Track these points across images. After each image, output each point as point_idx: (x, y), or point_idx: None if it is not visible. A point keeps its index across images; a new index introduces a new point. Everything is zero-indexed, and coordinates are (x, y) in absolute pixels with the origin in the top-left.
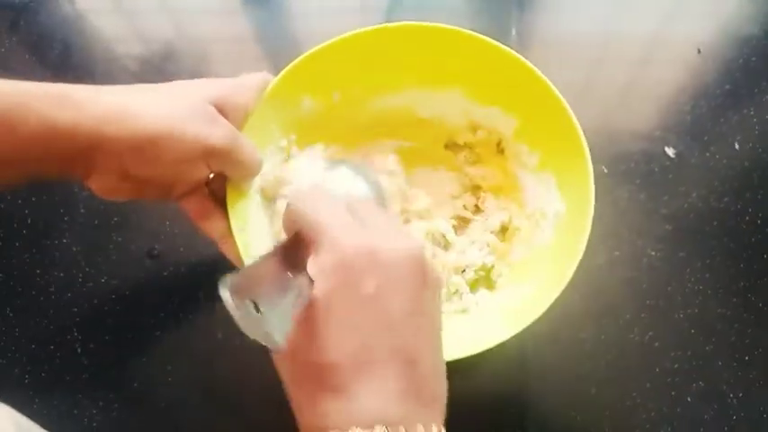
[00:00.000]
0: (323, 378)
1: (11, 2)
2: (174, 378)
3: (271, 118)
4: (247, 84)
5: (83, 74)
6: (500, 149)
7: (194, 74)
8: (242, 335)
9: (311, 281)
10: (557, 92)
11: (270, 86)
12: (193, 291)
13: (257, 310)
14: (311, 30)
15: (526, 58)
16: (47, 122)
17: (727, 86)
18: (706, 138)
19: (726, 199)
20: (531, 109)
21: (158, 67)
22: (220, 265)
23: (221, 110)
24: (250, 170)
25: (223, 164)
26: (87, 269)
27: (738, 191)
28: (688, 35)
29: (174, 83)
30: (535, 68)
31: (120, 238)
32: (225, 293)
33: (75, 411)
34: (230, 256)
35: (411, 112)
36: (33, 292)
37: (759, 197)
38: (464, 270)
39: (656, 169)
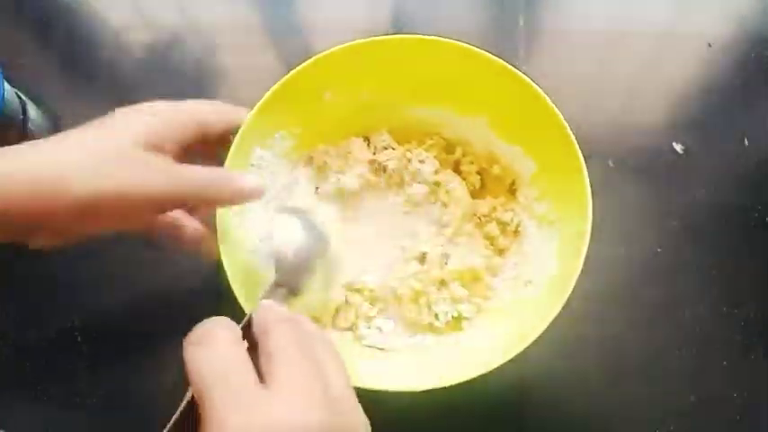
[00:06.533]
0: None
1: None
2: (176, 377)
3: (280, 110)
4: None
5: (86, 60)
6: (512, 190)
7: (200, 62)
8: None
9: None
10: (576, 146)
11: (291, 75)
12: (195, 289)
13: None
14: (319, 19)
15: (533, 50)
16: None
17: (738, 81)
18: (715, 133)
19: (734, 195)
20: (549, 156)
21: (163, 54)
22: (222, 265)
23: (161, 146)
24: (227, 200)
25: (178, 206)
26: (89, 267)
27: (747, 187)
28: (699, 29)
29: (101, 127)
30: (558, 113)
31: (120, 237)
32: None
33: (75, 409)
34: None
35: (436, 129)
36: (37, 285)
37: None
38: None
39: (664, 165)
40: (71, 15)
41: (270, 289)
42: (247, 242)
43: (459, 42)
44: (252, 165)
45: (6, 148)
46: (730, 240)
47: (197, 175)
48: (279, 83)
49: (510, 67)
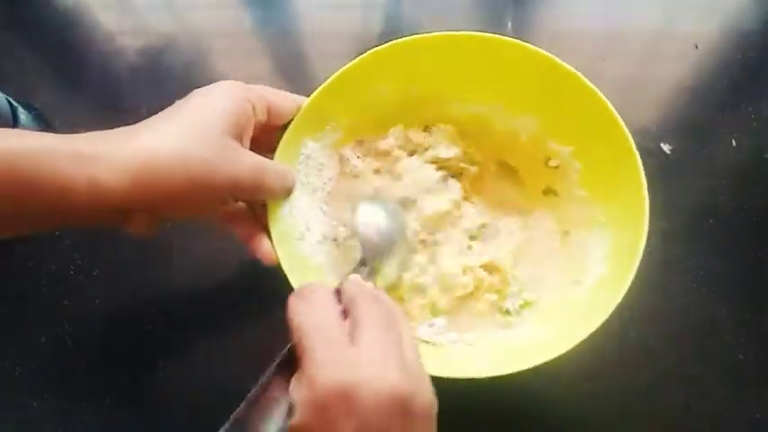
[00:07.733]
0: None
1: None
2: (164, 371)
3: (332, 102)
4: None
5: (78, 65)
6: (548, 192)
7: (191, 66)
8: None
9: (293, 406)
10: (634, 148)
11: (345, 68)
12: (186, 284)
13: None
14: (310, 24)
15: None
16: (67, 185)
17: (725, 82)
18: (702, 134)
19: (722, 196)
20: (600, 158)
21: (155, 59)
22: (213, 259)
23: (241, 132)
24: (280, 195)
25: (251, 196)
26: (79, 262)
27: (735, 188)
28: (686, 31)
29: (185, 113)
30: (614, 112)
31: (111, 231)
32: None
33: (66, 405)
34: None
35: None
36: (25, 285)
37: (755, 194)
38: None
39: (652, 166)
40: (63, 21)
41: (356, 266)
42: (295, 230)
43: (513, 39)
44: (302, 155)
45: (105, 132)
46: (719, 240)
47: (273, 168)
48: (333, 76)
49: (566, 65)
